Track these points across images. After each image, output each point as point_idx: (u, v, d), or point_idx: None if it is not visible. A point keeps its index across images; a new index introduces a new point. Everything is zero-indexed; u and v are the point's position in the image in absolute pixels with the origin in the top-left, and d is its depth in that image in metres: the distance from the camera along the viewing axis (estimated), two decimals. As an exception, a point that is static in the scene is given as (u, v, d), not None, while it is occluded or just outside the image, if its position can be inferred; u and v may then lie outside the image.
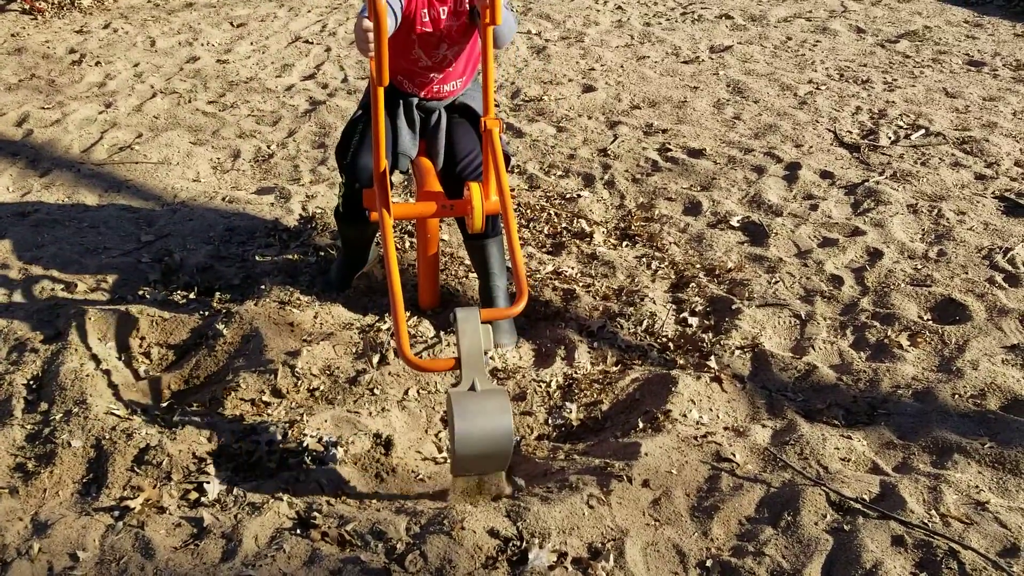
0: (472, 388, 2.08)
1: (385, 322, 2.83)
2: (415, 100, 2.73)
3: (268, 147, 4.12)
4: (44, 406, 2.40)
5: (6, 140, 4.11)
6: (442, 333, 2.78)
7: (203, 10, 6.06)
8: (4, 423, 2.33)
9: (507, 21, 2.48)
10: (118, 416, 2.34)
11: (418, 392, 2.56)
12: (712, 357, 2.68)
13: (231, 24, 5.79)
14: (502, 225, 2.73)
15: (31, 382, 2.52)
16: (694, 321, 2.88)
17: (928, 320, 2.88)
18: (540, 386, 2.60)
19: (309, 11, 6.08)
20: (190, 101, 4.59)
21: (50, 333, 2.74)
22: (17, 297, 2.95)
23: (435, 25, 2.58)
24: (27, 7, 5.93)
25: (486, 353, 2.14)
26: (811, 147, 4.10)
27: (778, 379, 2.63)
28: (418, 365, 2.19)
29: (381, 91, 2.34)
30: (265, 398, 2.47)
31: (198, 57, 5.20)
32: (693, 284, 3.07)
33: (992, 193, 3.65)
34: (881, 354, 2.73)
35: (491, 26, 2.38)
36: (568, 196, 3.67)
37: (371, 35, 2.24)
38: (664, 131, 4.29)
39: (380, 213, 2.40)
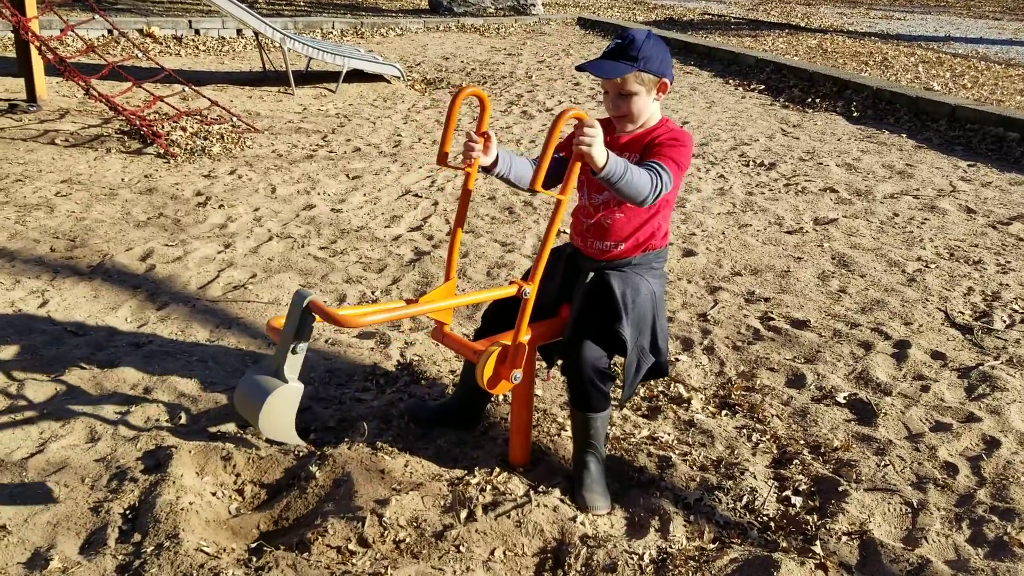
0: (278, 369, 2.28)
1: (475, 476, 2.79)
2: (569, 250, 2.81)
3: (372, 293, 4.24)
4: (137, 537, 2.42)
5: (130, 273, 4.35)
6: (531, 492, 2.71)
7: (322, 162, 6.42)
8: (97, 552, 2.36)
9: (636, 184, 2.38)
10: (207, 554, 2.34)
11: (504, 554, 2.48)
12: (817, 542, 2.54)
13: (347, 176, 6.10)
14: (599, 410, 2.71)
15: (127, 512, 2.56)
16: (797, 501, 2.74)
17: (1053, 519, 2.68)
18: (632, 558, 2.49)
19: (420, 167, 6.37)
20: (303, 246, 4.79)
21: (151, 464, 2.79)
22: (123, 426, 3.03)
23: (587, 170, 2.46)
24: (162, 151, 6.39)
25: (298, 345, 2.26)
26: (921, 326, 3.99)
27: (888, 571, 2.46)
28: None
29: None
30: (351, 546, 2.43)
31: (314, 205, 5.47)
32: (797, 461, 2.95)
33: (1120, 386, 3.45)
34: (1000, 552, 2.54)
35: (561, 197, 2.36)
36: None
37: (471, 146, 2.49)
38: (766, 300, 4.25)
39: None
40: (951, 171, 6.58)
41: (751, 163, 6.70)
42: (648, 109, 2.61)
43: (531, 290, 2.46)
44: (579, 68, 2.56)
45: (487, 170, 2.59)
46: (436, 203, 5.58)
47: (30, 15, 7.06)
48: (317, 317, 2.25)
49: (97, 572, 2.26)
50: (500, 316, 2.83)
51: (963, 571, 2.46)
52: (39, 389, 3.24)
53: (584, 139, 2.27)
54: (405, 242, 4.91)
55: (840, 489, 2.78)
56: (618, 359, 2.79)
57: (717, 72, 10.73)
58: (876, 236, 5.16)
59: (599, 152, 2.29)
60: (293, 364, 2.30)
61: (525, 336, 2.52)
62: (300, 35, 9.65)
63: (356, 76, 9.24)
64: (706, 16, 17.33)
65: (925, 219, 5.48)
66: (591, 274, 2.74)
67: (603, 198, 2.70)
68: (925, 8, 21.39)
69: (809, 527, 2.63)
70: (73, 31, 7.50)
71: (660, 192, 2.44)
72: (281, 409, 2.30)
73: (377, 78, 9.46)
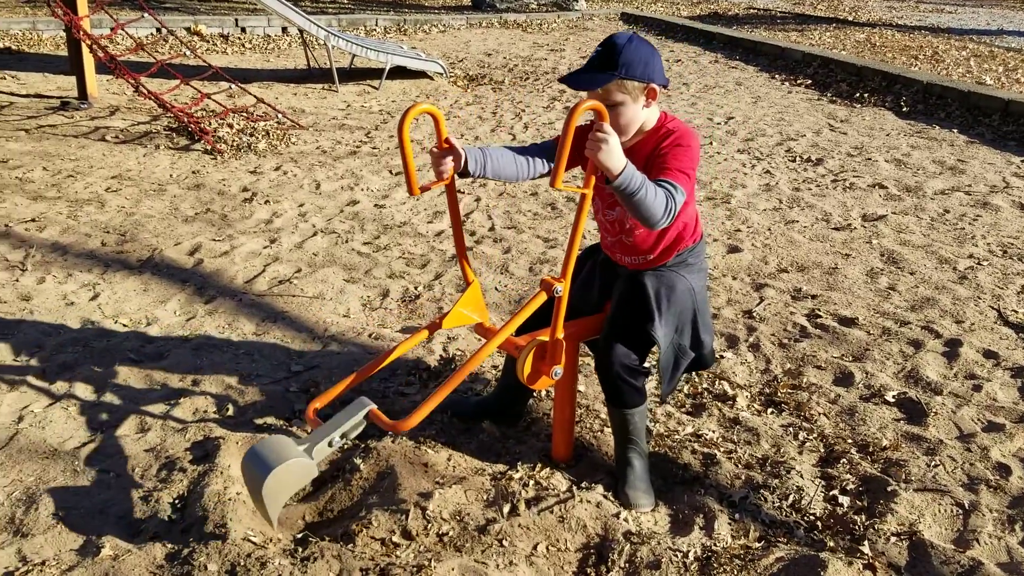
0: (309, 448, 2.33)
1: (517, 471, 2.79)
2: (602, 256, 2.80)
3: (415, 288, 4.25)
4: (186, 526, 2.46)
5: (178, 267, 4.41)
6: (574, 488, 2.70)
7: (366, 158, 6.46)
8: (147, 540, 2.40)
9: (650, 205, 2.27)
10: (254, 543, 2.37)
11: (547, 548, 2.48)
12: (865, 542, 2.50)
13: (390, 172, 6.13)
14: (634, 406, 2.68)
15: (177, 501, 2.60)
16: (845, 500, 2.70)
17: (1112, 523, 2.61)
18: (676, 556, 2.47)
19: (464, 163, 6.37)
20: (347, 241, 4.83)
21: (199, 454, 2.84)
22: (172, 417, 3.08)
23: (601, 179, 2.34)
24: (209, 148, 6.48)
25: (341, 439, 2.38)
26: (973, 324, 3.90)
27: (938, 573, 2.41)
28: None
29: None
30: (395, 539, 2.45)
31: (358, 201, 5.50)
32: (844, 460, 2.90)
33: None
34: (1057, 556, 2.48)
35: (586, 191, 2.32)
36: (711, 357, 3.60)
37: (437, 161, 2.46)
38: (814, 297, 4.19)
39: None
40: (1004, 167, 6.43)
41: (798, 158, 6.61)
42: (638, 118, 2.48)
43: (562, 287, 2.44)
44: (560, 80, 2.47)
45: (461, 174, 2.53)
46: (478, 199, 5.58)
47: (82, 14, 7.20)
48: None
49: (147, 560, 2.30)
50: (542, 311, 2.83)
51: (1016, 574, 2.41)
52: (91, 381, 3.31)
53: (596, 140, 2.17)
54: (448, 238, 4.92)
55: (889, 489, 2.74)
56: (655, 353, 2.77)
57: (763, 67, 10.60)
58: (926, 233, 5.06)
59: (615, 158, 2.18)
60: (321, 451, 2.36)
61: (562, 332, 2.51)
62: (344, 32, 9.72)
63: (399, 73, 9.28)
64: (752, 10, 17.14)
65: (977, 216, 5.36)
66: (626, 274, 2.73)
67: (616, 215, 2.65)
68: (976, 1, 20.92)
69: (857, 527, 2.58)
70: (123, 29, 7.62)
71: (672, 215, 2.31)
72: (290, 479, 2.30)
73: (420, 75, 9.49)
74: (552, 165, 2.52)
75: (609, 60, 2.38)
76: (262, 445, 2.33)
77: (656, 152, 2.47)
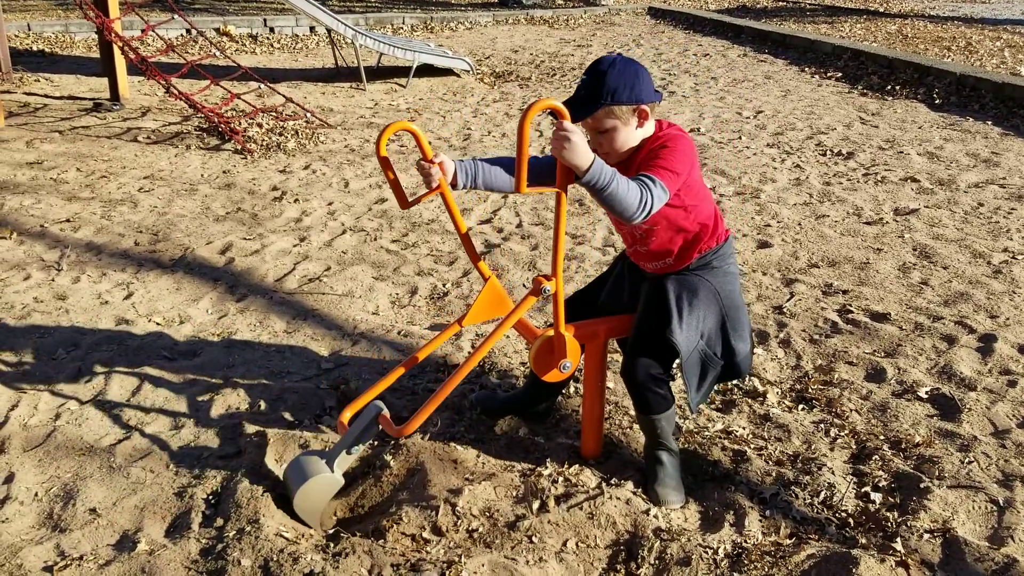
0: (330, 459, 2.54)
1: (547, 467, 2.79)
2: (631, 261, 2.80)
3: (444, 285, 4.27)
4: (220, 522, 2.50)
5: (210, 266, 4.46)
6: (603, 484, 2.71)
7: (394, 156, 6.49)
8: (182, 536, 2.44)
9: (623, 198, 2.26)
10: (286, 539, 2.39)
11: (577, 545, 2.48)
12: (898, 539, 2.47)
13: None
14: (660, 412, 2.66)
15: (210, 497, 2.64)
16: (877, 497, 2.68)
17: None
18: (706, 552, 2.46)
19: (491, 160, 6.38)
20: (376, 239, 4.86)
21: (232, 451, 2.87)
22: (205, 414, 3.12)
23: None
24: (239, 148, 6.54)
25: (354, 447, 2.55)
26: (1008, 319, 3.85)
27: (973, 570, 2.39)
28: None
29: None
30: (425, 534, 2.47)
31: (386, 199, 5.53)
32: (876, 456, 2.88)
33: None
34: (1095, 554, 2.44)
35: (559, 190, 2.33)
36: (740, 353, 3.58)
37: (425, 173, 2.49)
38: (845, 292, 4.15)
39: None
40: (1040, 159, 6.33)
41: (828, 152, 6.55)
42: (632, 139, 2.48)
43: (551, 287, 2.47)
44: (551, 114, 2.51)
45: (452, 186, 2.55)
46: (506, 196, 5.59)
47: (113, 16, 7.30)
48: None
49: (182, 555, 2.34)
50: (583, 309, 2.84)
51: (1053, 572, 2.37)
52: (125, 378, 3.36)
53: (559, 138, 2.19)
54: (475, 235, 4.94)
55: (922, 486, 2.71)
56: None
57: (792, 60, 10.51)
58: (960, 227, 4.99)
59: (580, 154, 2.20)
60: (343, 461, 2.55)
61: (563, 328, 2.55)
62: (371, 31, 9.77)
63: (426, 71, 9.31)
64: (780, 2, 16.99)
65: (1012, 209, 5.28)
66: (651, 278, 2.73)
67: (628, 226, 2.64)
68: (1011, -10, 20.56)
69: (889, 524, 2.56)
70: (153, 31, 7.72)
71: (650, 208, 2.28)
72: (317, 493, 2.52)
73: (447, 72, 9.52)
74: (542, 178, 2.51)
75: (595, 88, 2.40)
76: (294, 465, 2.58)
77: (644, 159, 2.47)
